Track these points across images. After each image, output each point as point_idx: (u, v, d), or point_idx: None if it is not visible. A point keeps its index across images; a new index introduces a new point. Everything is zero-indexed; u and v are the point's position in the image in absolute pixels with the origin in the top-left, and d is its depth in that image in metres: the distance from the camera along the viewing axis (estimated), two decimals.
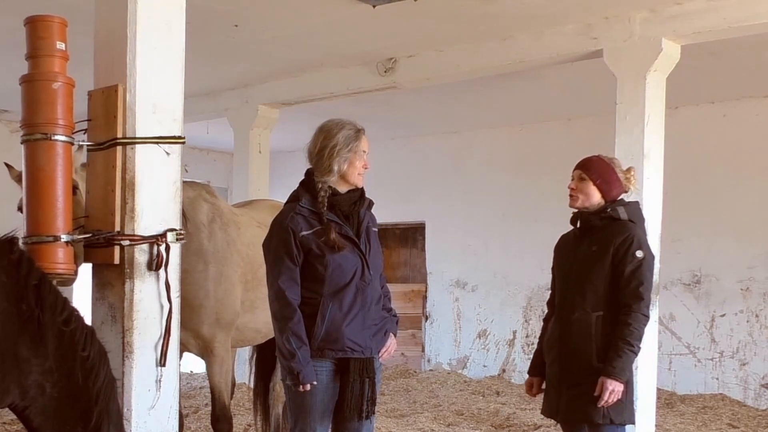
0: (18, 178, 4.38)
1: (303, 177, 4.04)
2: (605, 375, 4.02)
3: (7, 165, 4.72)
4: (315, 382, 3.86)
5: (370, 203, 4.11)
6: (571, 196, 4.29)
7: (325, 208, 3.91)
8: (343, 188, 3.99)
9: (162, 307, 4.06)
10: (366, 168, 4.02)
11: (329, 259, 3.86)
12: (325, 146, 3.94)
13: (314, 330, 3.87)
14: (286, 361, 3.87)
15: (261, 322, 5.34)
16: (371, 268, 3.98)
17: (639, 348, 4.11)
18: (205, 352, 5.17)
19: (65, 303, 3.32)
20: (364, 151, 4.01)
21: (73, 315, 3.33)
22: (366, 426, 4.06)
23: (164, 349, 4.04)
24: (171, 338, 4.08)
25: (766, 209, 9.21)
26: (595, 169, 4.25)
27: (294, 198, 4.00)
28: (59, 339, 3.26)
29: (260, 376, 6.28)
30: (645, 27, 6.58)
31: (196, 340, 5.12)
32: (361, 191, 4.07)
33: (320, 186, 3.93)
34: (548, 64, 7.44)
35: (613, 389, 4.01)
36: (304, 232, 3.87)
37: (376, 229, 4.11)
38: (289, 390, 3.99)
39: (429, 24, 6.99)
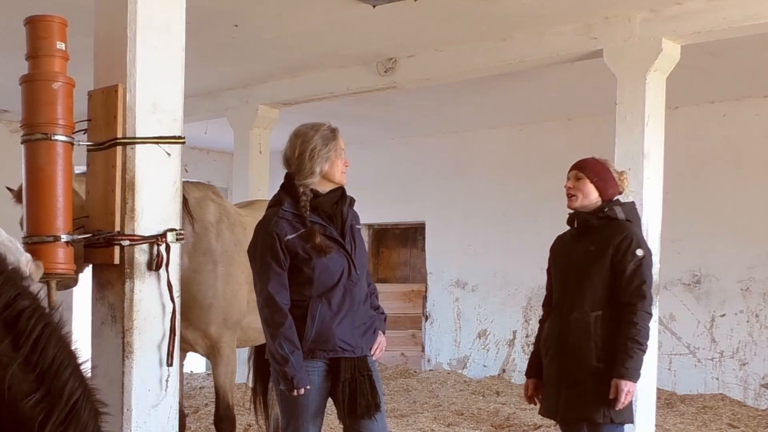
0: (18, 197, 4.32)
1: (283, 181, 4.04)
2: (618, 377, 4.02)
3: (8, 189, 4.66)
4: (308, 387, 3.87)
5: (352, 201, 4.11)
6: (569, 195, 4.32)
7: (307, 212, 3.90)
8: (324, 188, 3.98)
9: (164, 306, 4.06)
10: (347, 165, 4.02)
11: (316, 262, 3.86)
12: (304, 150, 3.93)
13: (304, 332, 3.87)
14: (279, 366, 3.87)
15: None
16: (358, 267, 3.99)
17: (647, 346, 4.12)
18: (211, 352, 5.19)
19: (15, 300, 2.70)
20: (343, 149, 4.01)
21: (22, 319, 2.69)
22: (380, 422, 4.00)
23: (170, 348, 4.04)
24: (176, 338, 4.08)
25: (766, 209, 9.21)
26: (591, 168, 4.29)
27: (276, 202, 4.00)
28: None
29: (259, 376, 6.28)
30: (645, 27, 6.58)
31: (203, 340, 5.14)
32: (342, 190, 4.06)
33: (302, 190, 3.92)
34: (548, 64, 7.44)
35: (628, 390, 4.01)
36: (289, 236, 3.87)
37: (359, 227, 4.12)
38: (281, 393, 3.99)
39: (429, 24, 6.99)
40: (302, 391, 3.86)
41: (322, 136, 3.96)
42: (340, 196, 4.04)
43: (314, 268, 3.87)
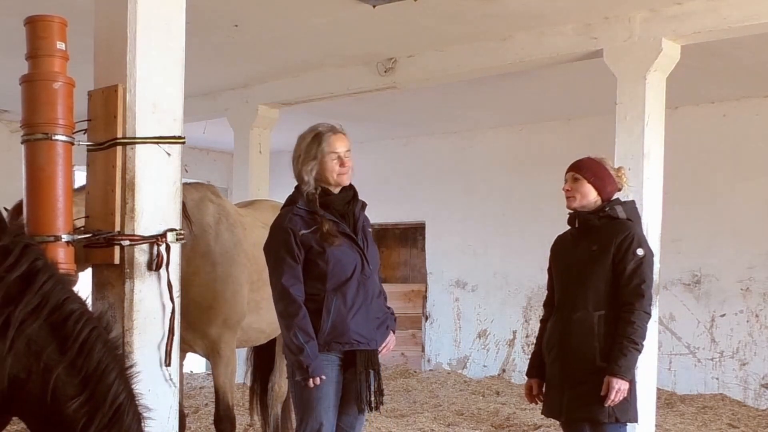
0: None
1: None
2: (611, 374, 4.03)
3: (5, 209, 4.56)
4: (324, 377, 3.94)
5: (364, 204, 4.24)
6: (567, 197, 4.32)
7: (317, 206, 4.03)
8: (334, 188, 4.11)
9: (164, 306, 4.04)
10: (343, 166, 4.08)
11: (329, 255, 3.97)
12: (294, 157, 4.13)
13: (320, 324, 3.96)
14: (294, 356, 3.95)
15: (265, 323, 5.36)
16: (370, 263, 4.09)
17: (643, 346, 4.13)
18: (211, 352, 5.18)
19: (63, 303, 2.75)
20: (334, 152, 4.07)
21: (69, 323, 2.72)
22: (359, 420, 4.17)
23: (168, 348, 4.03)
24: (174, 338, 4.07)
25: (766, 209, 9.21)
26: (587, 168, 4.30)
27: (290, 201, 4.15)
28: (28, 347, 2.66)
29: (258, 376, 6.28)
30: (645, 27, 6.58)
31: (203, 341, 5.12)
32: (354, 191, 4.18)
33: (306, 192, 4.07)
34: (548, 64, 7.44)
35: (620, 388, 4.03)
36: (303, 231, 3.99)
37: (370, 230, 4.24)
38: (296, 386, 4.06)
39: (429, 24, 6.99)
40: (318, 380, 3.92)
41: (306, 144, 4.09)
42: (351, 196, 4.16)
43: (328, 261, 3.97)
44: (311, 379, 3.91)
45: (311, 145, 4.07)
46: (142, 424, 2.87)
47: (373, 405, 4.05)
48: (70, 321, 2.74)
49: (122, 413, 2.75)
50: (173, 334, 4.05)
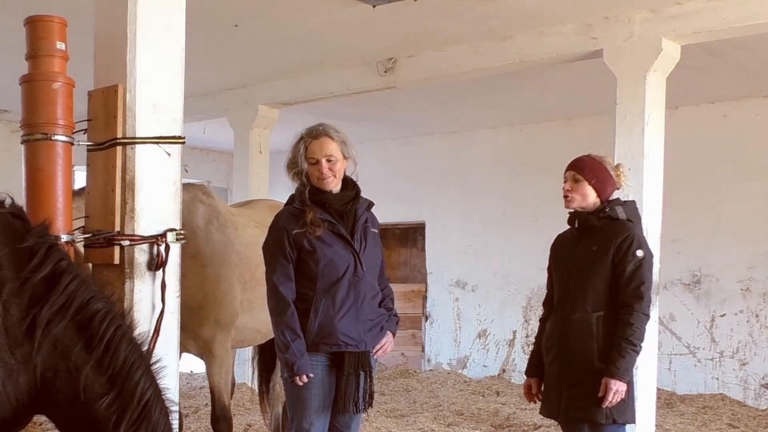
0: None
1: None
2: (609, 375, 4.03)
3: None
4: (311, 375, 3.95)
5: (370, 204, 4.19)
6: (566, 197, 4.30)
7: (306, 198, 4.07)
8: (336, 189, 4.13)
9: (165, 306, 4.04)
10: (321, 172, 4.08)
11: (320, 255, 3.99)
12: (285, 163, 4.23)
13: (308, 325, 3.97)
14: (281, 353, 3.99)
15: (260, 322, 5.34)
16: (364, 265, 4.07)
17: (641, 347, 4.12)
18: (204, 353, 5.17)
19: (88, 303, 2.80)
20: (313, 157, 4.09)
21: (95, 322, 2.77)
22: (355, 420, 4.16)
23: (150, 348, 4.00)
24: (160, 338, 4.03)
25: (766, 209, 9.21)
26: (589, 169, 4.27)
27: (290, 201, 4.21)
28: (55, 347, 2.72)
29: (261, 376, 6.28)
30: (645, 27, 6.58)
31: (195, 341, 5.11)
32: (356, 191, 4.18)
33: (300, 190, 4.16)
34: (548, 64, 7.44)
35: (617, 389, 4.02)
36: (296, 230, 4.02)
37: (376, 230, 4.20)
38: (286, 384, 4.10)
39: (429, 24, 6.99)
40: (304, 378, 3.94)
41: (292, 148, 4.18)
42: (353, 197, 4.15)
43: (318, 261, 3.98)
44: (297, 377, 3.93)
45: (294, 151, 4.16)
46: (170, 419, 2.94)
47: (360, 407, 4.03)
48: (96, 320, 2.80)
49: (150, 409, 2.82)
50: (158, 334, 4.01)
